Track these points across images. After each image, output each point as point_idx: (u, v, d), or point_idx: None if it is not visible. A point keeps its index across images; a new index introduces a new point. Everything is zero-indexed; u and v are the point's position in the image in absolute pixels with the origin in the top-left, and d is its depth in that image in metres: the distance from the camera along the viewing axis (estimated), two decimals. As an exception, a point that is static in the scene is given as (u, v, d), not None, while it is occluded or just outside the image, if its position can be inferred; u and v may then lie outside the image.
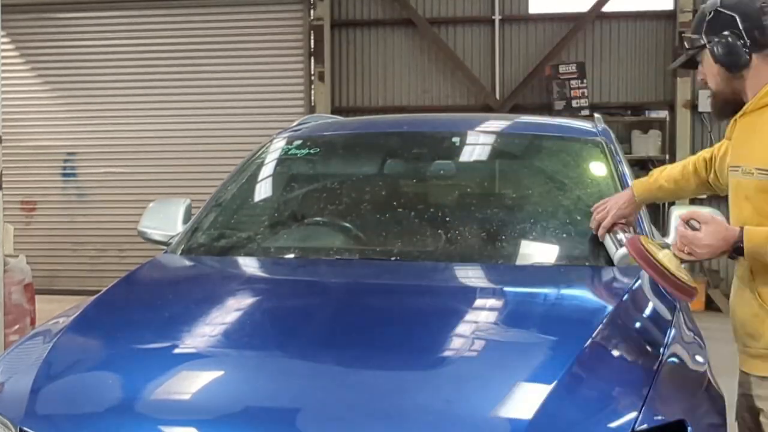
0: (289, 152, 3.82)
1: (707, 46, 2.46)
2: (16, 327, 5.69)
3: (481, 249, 3.21)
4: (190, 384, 2.23)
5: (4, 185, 5.13)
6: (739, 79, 2.44)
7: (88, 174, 10.73)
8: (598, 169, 3.54)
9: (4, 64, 7.10)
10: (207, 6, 10.55)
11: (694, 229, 2.36)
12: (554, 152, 3.74)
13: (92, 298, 2.91)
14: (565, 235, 3.21)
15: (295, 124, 4.20)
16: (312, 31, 10.38)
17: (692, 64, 2.61)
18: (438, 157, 3.73)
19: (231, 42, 10.44)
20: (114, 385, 2.21)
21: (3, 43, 9.19)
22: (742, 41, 2.39)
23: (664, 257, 2.38)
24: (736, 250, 2.32)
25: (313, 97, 10.37)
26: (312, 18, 10.39)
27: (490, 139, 3.88)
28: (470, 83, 10.33)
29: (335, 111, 9.94)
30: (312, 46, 10.38)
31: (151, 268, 3.23)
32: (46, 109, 10.75)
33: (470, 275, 3.13)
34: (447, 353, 2.37)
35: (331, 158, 3.93)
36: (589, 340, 2.29)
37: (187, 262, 3.32)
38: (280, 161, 3.84)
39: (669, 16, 10.15)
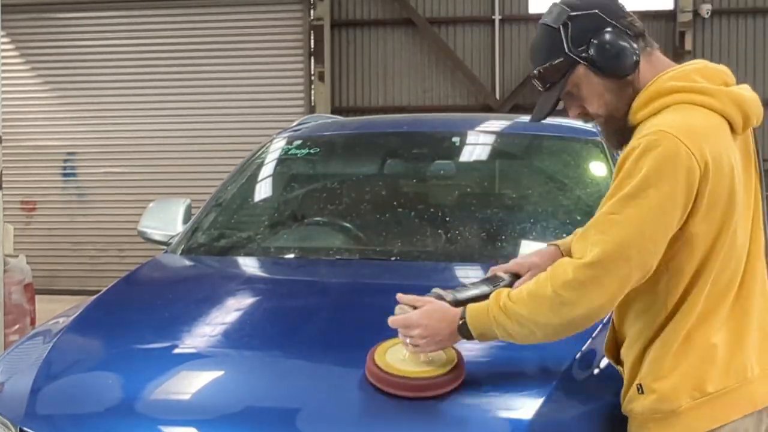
0: (289, 152, 3.82)
1: (580, 61, 1.93)
2: (16, 327, 5.69)
3: (481, 249, 3.21)
4: (190, 384, 2.23)
5: (4, 185, 5.13)
6: (628, 87, 1.94)
7: (88, 174, 10.73)
8: (598, 169, 3.54)
9: (4, 64, 7.10)
10: (207, 6, 10.55)
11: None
12: (554, 152, 3.73)
13: (92, 298, 2.91)
14: (565, 236, 3.20)
15: (295, 124, 4.20)
16: (312, 31, 10.38)
17: (551, 108, 2.05)
18: (438, 157, 3.73)
19: (231, 42, 10.44)
20: (114, 385, 2.21)
21: (3, 43, 9.19)
22: (622, 34, 1.92)
23: (401, 360, 2.02)
24: (461, 330, 1.93)
25: (313, 97, 10.38)
26: (312, 18, 10.39)
27: (490, 139, 3.88)
28: (470, 83, 10.34)
29: (335, 111, 9.94)
30: (312, 46, 10.38)
31: (151, 268, 3.23)
32: (46, 109, 10.76)
33: (470, 275, 3.12)
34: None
35: (331, 158, 3.93)
36: (589, 340, 2.29)
37: (187, 262, 3.32)
38: (280, 161, 3.84)
39: (669, 16, 10.16)
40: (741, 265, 1.91)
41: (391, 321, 2.02)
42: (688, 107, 1.88)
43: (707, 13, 10.02)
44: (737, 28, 10.21)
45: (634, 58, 1.92)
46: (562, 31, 1.94)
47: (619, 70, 1.92)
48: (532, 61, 2.03)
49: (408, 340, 2.00)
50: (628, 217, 1.78)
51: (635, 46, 1.93)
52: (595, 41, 1.91)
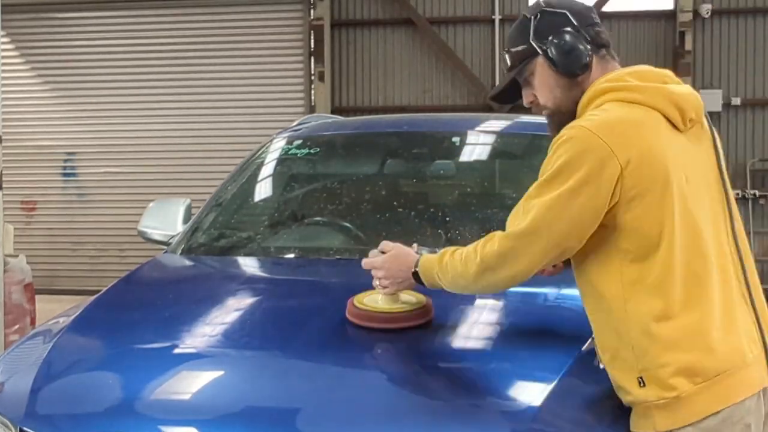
0: (289, 152, 3.82)
1: (539, 51, 2.09)
2: (16, 327, 5.69)
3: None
4: (190, 384, 2.23)
5: (4, 185, 5.13)
6: (577, 88, 2.09)
7: (88, 174, 10.73)
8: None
9: (4, 64, 7.10)
10: (207, 6, 10.55)
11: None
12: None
13: (92, 298, 2.91)
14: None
15: (295, 124, 4.19)
16: (312, 31, 10.38)
17: (511, 94, 2.24)
18: (438, 157, 3.73)
19: (231, 42, 10.44)
20: (114, 384, 2.21)
21: (3, 43, 9.19)
22: (581, 38, 2.07)
23: (376, 302, 2.36)
24: (415, 277, 2.23)
25: (313, 97, 10.38)
26: (312, 18, 10.40)
27: (490, 139, 3.88)
28: (470, 83, 10.34)
29: (335, 111, 9.94)
30: (312, 46, 10.38)
31: (151, 268, 3.23)
32: (46, 109, 10.76)
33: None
34: (447, 352, 2.37)
35: (331, 158, 3.93)
36: (589, 340, 2.29)
37: (187, 262, 3.32)
38: (280, 161, 3.84)
39: (669, 16, 10.16)
40: (711, 257, 1.98)
41: (363, 262, 2.36)
42: (616, 104, 2.01)
43: (707, 13, 10.03)
44: (737, 28, 10.21)
45: (585, 60, 2.06)
46: (532, 22, 2.11)
47: (568, 68, 2.07)
48: (505, 44, 2.22)
49: (375, 282, 2.34)
50: (542, 201, 1.96)
51: (589, 49, 2.07)
52: (554, 37, 2.07)
